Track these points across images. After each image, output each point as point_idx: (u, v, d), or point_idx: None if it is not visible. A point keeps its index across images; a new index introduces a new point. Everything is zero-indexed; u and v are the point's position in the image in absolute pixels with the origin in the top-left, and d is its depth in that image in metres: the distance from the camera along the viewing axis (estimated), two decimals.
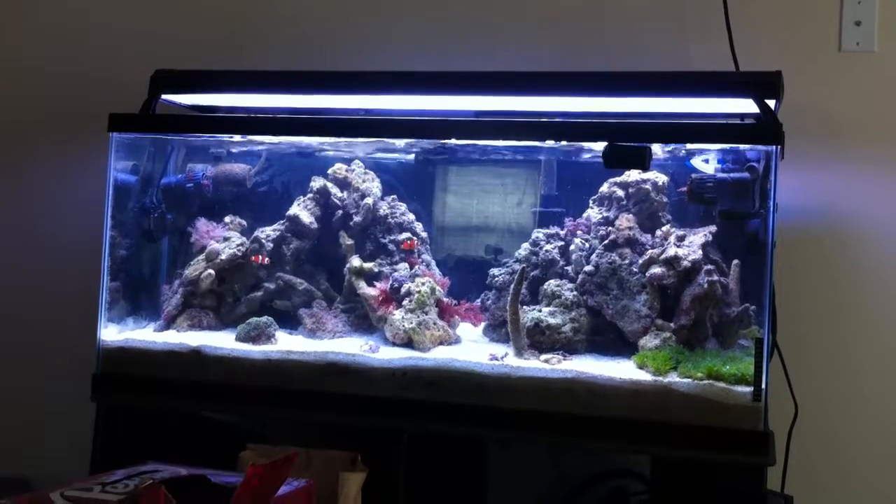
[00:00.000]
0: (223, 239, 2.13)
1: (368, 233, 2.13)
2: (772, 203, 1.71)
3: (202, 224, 2.14)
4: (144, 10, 2.48)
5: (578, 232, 2.01)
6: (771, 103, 1.75)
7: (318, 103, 2.07)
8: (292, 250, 2.12)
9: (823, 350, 2.10)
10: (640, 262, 1.90)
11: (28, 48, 2.55)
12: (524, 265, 1.98)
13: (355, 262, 2.07)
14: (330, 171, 2.16)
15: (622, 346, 1.90)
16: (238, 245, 2.11)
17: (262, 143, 2.15)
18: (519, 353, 1.87)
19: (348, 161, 2.18)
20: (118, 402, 1.97)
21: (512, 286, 1.89)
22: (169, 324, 2.07)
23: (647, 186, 1.97)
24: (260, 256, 2.08)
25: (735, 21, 2.10)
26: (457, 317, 2.03)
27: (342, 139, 2.07)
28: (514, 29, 2.28)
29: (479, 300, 2.06)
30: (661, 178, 1.98)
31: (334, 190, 2.15)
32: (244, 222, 2.17)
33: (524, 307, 1.93)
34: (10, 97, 2.55)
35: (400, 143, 2.08)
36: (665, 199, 1.99)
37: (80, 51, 2.51)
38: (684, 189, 1.90)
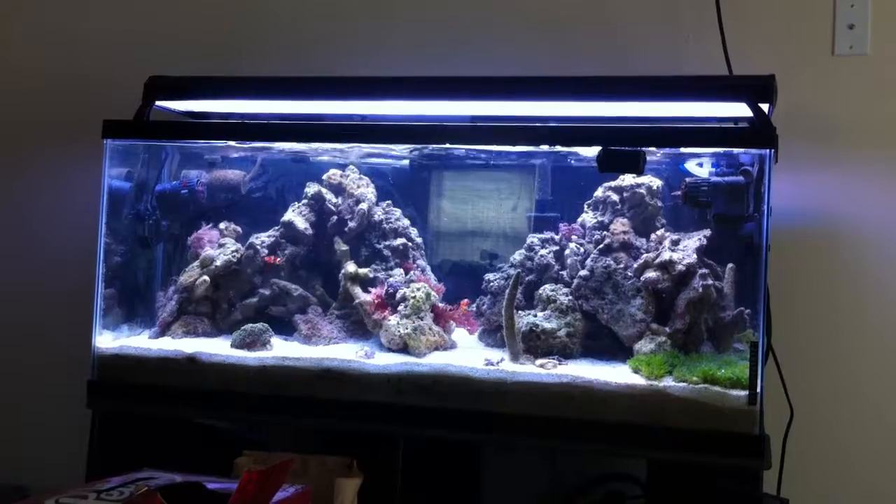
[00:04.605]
0: (218, 245, 2.13)
1: (363, 238, 2.14)
2: (766, 206, 1.71)
3: (202, 231, 2.14)
4: (144, 12, 2.48)
5: (573, 236, 2.02)
6: (764, 107, 1.75)
7: (313, 109, 2.07)
8: (287, 256, 2.12)
9: (818, 353, 2.10)
10: (635, 266, 1.91)
11: (26, 50, 2.55)
12: (519, 270, 1.98)
13: (350, 267, 2.07)
14: (325, 176, 2.16)
15: (617, 350, 1.90)
16: (233, 251, 2.11)
17: (256, 150, 2.16)
18: (514, 357, 1.87)
19: (343, 167, 2.18)
20: (114, 409, 1.96)
21: (507, 291, 1.89)
22: (164, 330, 2.07)
23: (642, 191, 1.98)
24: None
25: (728, 25, 2.10)
26: (452, 322, 2.03)
27: (337, 145, 2.07)
28: (509, 34, 2.28)
29: (474, 305, 2.06)
30: (656, 183, 1.98)
31: (329, 196, 2.15)
32: (239, 229, 2.18)
33: (519, 312, 1.93)
34: (8, 99, 2.55)
35: (395, 148, 2.08)
36: (659, 204, 1.99)
37: (79, 53, 2.51)
38: (679, 193, 1.91)
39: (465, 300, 2.03)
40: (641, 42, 2.21)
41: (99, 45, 2.50)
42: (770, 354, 1.95)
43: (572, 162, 2.04)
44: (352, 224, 2.12)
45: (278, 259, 2.10)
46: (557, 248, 2.03)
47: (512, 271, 2.00)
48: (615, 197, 2.00)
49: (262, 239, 2.12)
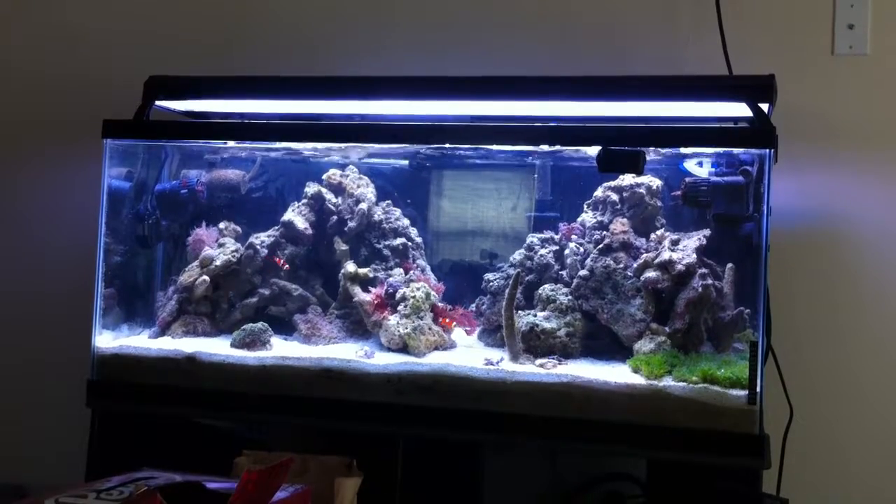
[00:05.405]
0: (217, 245, 2.13)
1: (363, 238, 2.14)
2: (766, 206, 1.71)
3: (201, 231, 2.14)
4: (144, 12, 2.48)
5: (573, 236, 2.02)
6: (764, 107, 1.75)
7: (313, 109, 2.07)
8: (287, 256, 2.12)
9: (818, 353, 2.10)
10: (635, 266, 1.91)
11: (26, 50, 2.55)
12: (519, 270, 1.98)
13: (350, 267, 2.07)
14: (324, 176, 2.16)
15: (617, 350, 1.90)
16: (233, 251, 2.11)
17: (256, 149, 2.15)
18: (514, 357, 1.87)
19: (343, 166, 2.18)
20: (114, 409, 1.96)
21: (507, 291, 1.89)
22: (164, 330, 2.07)
23: (642, 190, 1.97)
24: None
25: (728, 25, 2.10)
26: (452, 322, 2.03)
27: (336, 144, 2.07)
28: (509, 33, 2.28)
29: (473, 305, 2.06)
30: (656, 182, 1.98)
31: (329, 195, 2.15)
32: (239, 228, 2.18)
33: (519, 312, 1.93)
34: (8, 99, 2.55)
35: (395, 148, 2.08)
36: (659, 203, 1.99)
37: (78, 53, 2.51)
38: (678, 193, 1.91)
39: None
40: (641, 42, 2.21)
41: (99, 45, 2.50)
42: (770, 354, 1.95)
43: (572, 162, 2.04)
44: (352, 224, 2.12)
45: (285, 265, 2.10)
46: (557, 247, 2.03)
47: (512, 271, 2.00)
48: (615, 197, 2.00)
49: (262, 239, 2.12)
